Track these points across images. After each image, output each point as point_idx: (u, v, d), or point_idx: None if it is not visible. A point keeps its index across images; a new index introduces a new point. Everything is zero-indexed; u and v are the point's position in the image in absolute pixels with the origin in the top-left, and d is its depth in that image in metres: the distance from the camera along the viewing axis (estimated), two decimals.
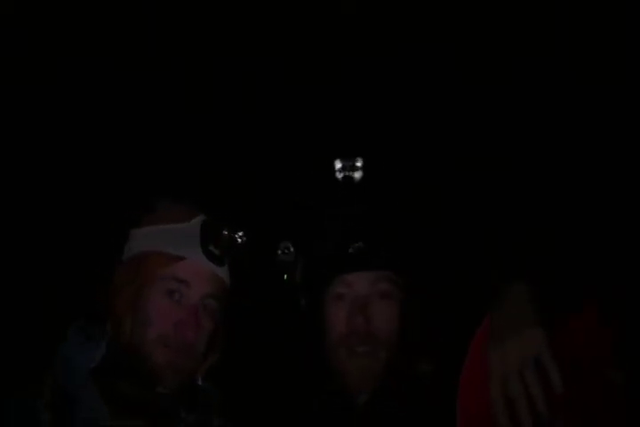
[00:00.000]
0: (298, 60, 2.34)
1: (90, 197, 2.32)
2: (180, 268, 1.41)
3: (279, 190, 2.21)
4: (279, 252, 1.65)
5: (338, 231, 1.53)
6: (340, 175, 1.57)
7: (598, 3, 2.14)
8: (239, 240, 1.50)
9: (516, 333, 1.16)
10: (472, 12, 2.27)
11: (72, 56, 2.35)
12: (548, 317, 1.19)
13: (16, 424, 1.26)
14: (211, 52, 2.38)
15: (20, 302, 2.10)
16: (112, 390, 1.33)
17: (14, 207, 2.23)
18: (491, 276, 1.32)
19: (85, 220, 2.28)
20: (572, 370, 1.17)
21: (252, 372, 1.71)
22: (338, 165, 1.57)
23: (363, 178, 1.56)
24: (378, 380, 1.48)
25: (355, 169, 1.56)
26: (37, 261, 2.22)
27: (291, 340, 1.67)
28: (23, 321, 2.03)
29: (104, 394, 1.32)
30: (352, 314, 1.47)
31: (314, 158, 2.03)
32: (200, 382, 1.49)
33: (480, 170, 2.22)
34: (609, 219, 1.98)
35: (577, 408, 1.17)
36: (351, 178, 1.57)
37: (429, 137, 2.24)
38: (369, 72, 2.33)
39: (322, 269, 1.55)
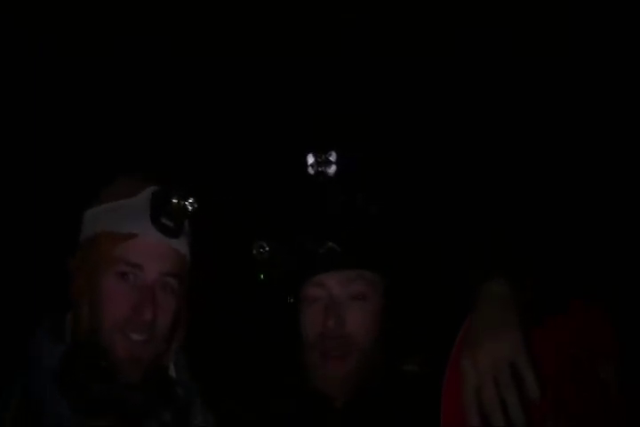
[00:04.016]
0: (275, 55, 2.30)
1: (42, 177, 2.24)
2: (131, 248, 1.32)
3: (249, 185, 2.17)
4: (254, 251, 1.60)
5: (309, 231, 1.48)
6: (312, 170, 1.50)
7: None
8: (190, 208, 1.40)
9: (491, 335, 1.10)
10: (461, 12, 2.22)
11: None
12: (533, 316, 1.14)
13: None
14: (189, 44, 2.33)
15: None
16: (76, 390, 1.27)
17: None
18: (473, 274, 1.27)
19: (39, 201, 2.20)
20: (564, 369, 1.16)
21: (230, 369, 1.68)
22: (310, 159, 1.50)
23: (336, 173, 1.49)
24: (349, 385, 1.45)
25: (328, 164, 1.49)
26: None
27: (267, 339, 1.63)
28: None
29: (67, 395, 1.26)
30: (325, 317, 1.43)
31: (285, 152, 1.98)
32: (173, 374, 1.44)
33: (461, 166, 2.20)
34: (598, 216, 1.96)
35: (569, 407, 1.15)
36: (324, 173, 1.50)
37: (406, 130, 2.21)
38: (346, 64, 2.29)
39: (294, 269, 1.50)
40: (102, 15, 2.35)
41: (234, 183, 2.14)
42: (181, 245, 1.40)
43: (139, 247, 1.33)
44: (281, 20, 2.26)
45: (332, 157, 1.47)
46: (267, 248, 1.57)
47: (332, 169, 1.48)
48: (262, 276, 1.63)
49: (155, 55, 2.38)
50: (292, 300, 1.51)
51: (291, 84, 2.32)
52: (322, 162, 1.47)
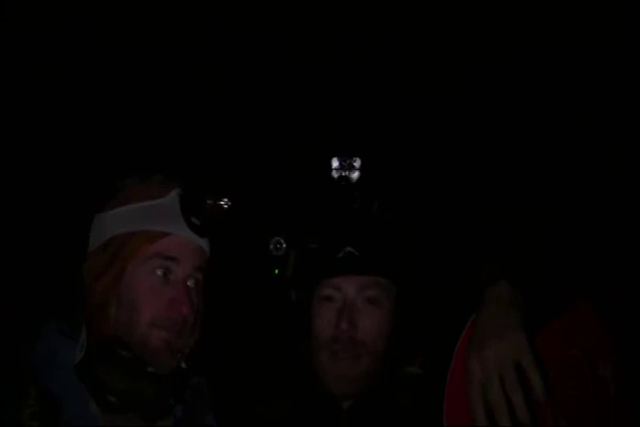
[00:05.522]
0: (299, 56, 2.32)
1: (51, 180, 2.22)
2: (166, 244, 1.35)
3: (274, 186, 2.19)
4: (271, 246, 1.65)
5: (329, 233, 1.51)
6: (336, 174, 1.56)
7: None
8: (225, 206, 1.43)
9: (496, 336, 1.12)
10: (470, 12, 2.27)
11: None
12: (535, 318, 1.17)
13: None
14: (211, 42, 2.35)
15: None
16: (99, 385, 1.30)
17: None
18: (475, 277, 1.28)
19: (47, 205, 2.19)
20: (563, 369, 1.18)
21: (239, 366, 1.69)
22: (335, 163, 1.56)
23: (360, 179, 1.54)
24: (359, 385, 1.47)
25: (352, 169, 1.55)
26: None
27: (277, 336, 1.66)
28: None
29: (91, 391, 1.29)
30: (338, 319, 1.46)
31: (311, 155, 2.01)
32: (183, 365, 1.42)
33: (472, 173, 2.23)
34: (598, 217, 1.99)
35: (568, 408, 1.17)
36: (347, 178, 1.55)
37: (427, 141, 2.24)
38: (370, 70, 2.32)
39: (311, 269, 1.53)
40: (107, 15, 2.36)
41: (255, 185, 2.15)
42: (206, 244, 1.44)
43: (173, 243, 1.36)
44: (300, 21, 2.27)
45: (357, 163, 1.53)
46: (283, 244, 1.62)
47: (356, 175, 1.54)
48: (277, 271, 1.68)
49: (174, 55, 2.40)
50: (305, 298, 1.53)
51: (295, 88, 2.32)
52: (346, 166, 1.52)
